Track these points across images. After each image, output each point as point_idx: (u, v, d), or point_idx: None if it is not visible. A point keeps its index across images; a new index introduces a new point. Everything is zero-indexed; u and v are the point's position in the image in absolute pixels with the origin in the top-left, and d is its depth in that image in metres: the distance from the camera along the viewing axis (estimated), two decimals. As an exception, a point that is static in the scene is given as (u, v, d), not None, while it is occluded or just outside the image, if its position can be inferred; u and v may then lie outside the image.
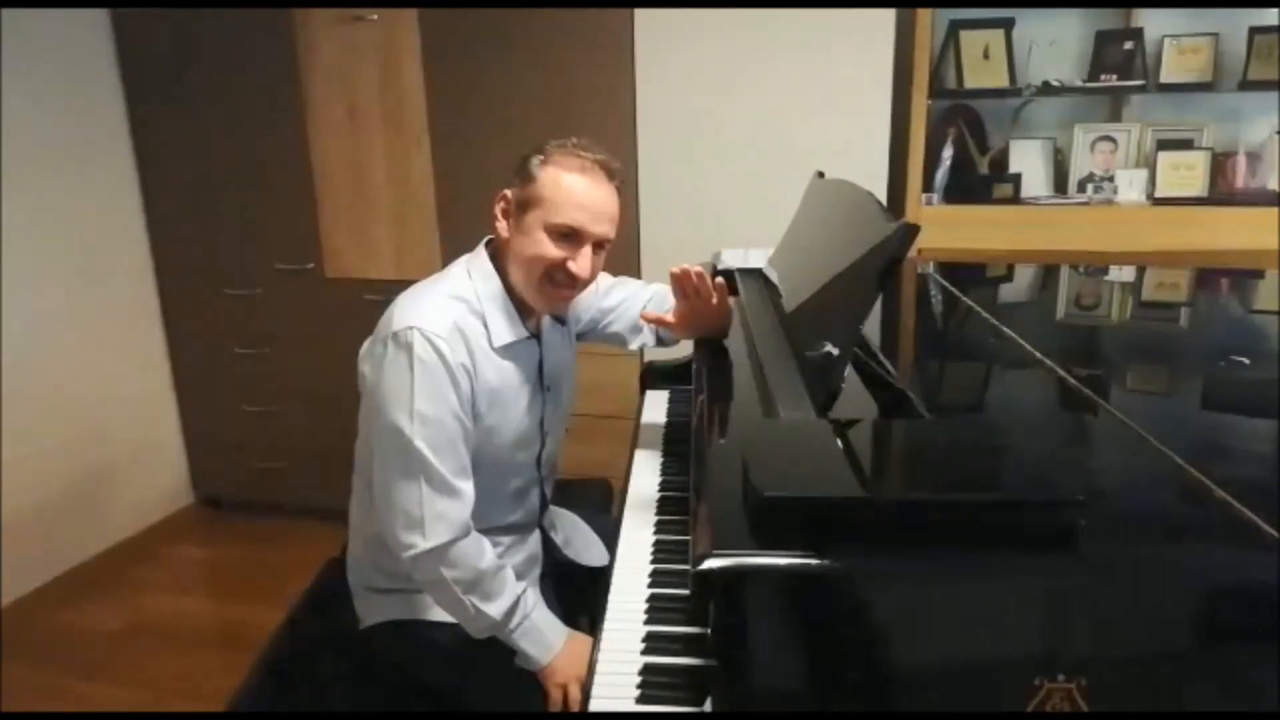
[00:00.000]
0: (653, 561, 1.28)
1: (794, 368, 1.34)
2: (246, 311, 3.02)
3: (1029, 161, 2.60)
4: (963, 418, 1.25)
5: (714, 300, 1.49)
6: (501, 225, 1.39)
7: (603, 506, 1.94)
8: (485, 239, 1.46)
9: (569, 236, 1.33)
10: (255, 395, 3.10)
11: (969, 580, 0.80)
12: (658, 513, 1.41)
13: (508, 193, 1.39)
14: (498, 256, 1.41)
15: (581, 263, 1.34)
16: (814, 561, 0.79)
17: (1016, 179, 2.57)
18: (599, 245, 1.38)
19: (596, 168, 1.35)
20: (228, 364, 3.08)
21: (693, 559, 0.82)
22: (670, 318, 1.55)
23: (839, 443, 1.00)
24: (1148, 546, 0.85)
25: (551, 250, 1.33)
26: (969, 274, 2.23)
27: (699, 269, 1.47)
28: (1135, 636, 0.80)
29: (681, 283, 1.47)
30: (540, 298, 1.38)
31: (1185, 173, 2.48)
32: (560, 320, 1.56)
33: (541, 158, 1.35)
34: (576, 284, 1.37)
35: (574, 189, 1.32)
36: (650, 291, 1.71)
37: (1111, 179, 2.53)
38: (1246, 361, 1.46)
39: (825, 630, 0.82)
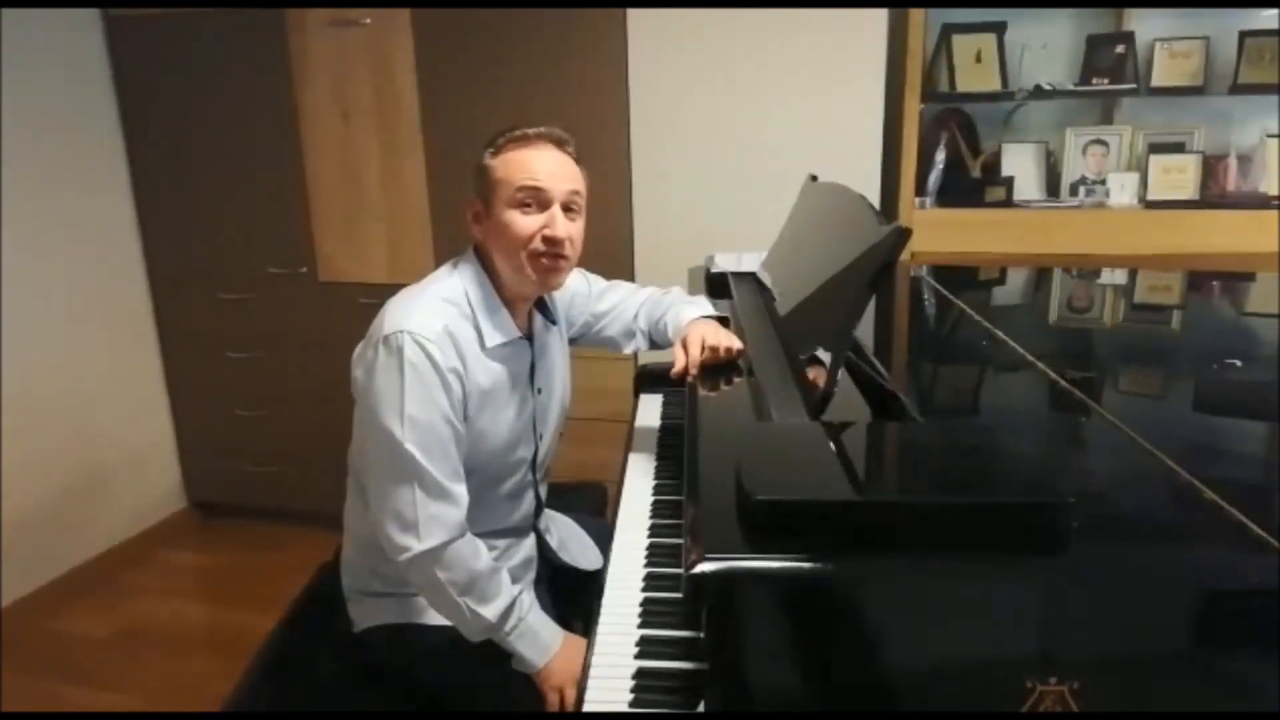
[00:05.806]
0: (646, 565, 1.28)
1: (787, 371, 1.35)
2: (239, 315, 3.01)
3: (1021, 165, 2.61)
4: (955, 421, 1.25)
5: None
6: (476, 230, 1.41)
7: (597, 510, 1.94)
8: (474, 243, 1.46)
9: (534, 202, 1.33)
10: (248, 399, 3.09)
11: (961, 583, 0.80)
12: (652, 516, 1.41)
13: (472, 197, 1.41)
14: (485, 259, 1.42)
15: (557, 225, 1.33)
16: (807, 564, 0.79)
17: (1009, 182, 2.58)
18: (570, 209, 1.36)
19: (540, 139, 1.36)
20: (221, 368, 3.08)
21: (685, 562, 0.82)
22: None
23: (832, 446, 1.00)
24: (1139, 548, 0.86)
25: (525, 224, 1.33)
26: (962, 277, 2.23)
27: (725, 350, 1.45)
28: (1127, 639, 0.80)
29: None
30: (533, 278, 1.37)
31: (1176, 176, 2.49)
32: (551, 320, 1.55)
33: (491, 151, 1.37)
34: (561, 248, 1.34)
35: (522, 158, 1.34)
36: (644, 295, 1.70)
37: (1103, 182, 2.55)
38: (1239, 364, 1.47)
39: (818, 633, 0.82)
